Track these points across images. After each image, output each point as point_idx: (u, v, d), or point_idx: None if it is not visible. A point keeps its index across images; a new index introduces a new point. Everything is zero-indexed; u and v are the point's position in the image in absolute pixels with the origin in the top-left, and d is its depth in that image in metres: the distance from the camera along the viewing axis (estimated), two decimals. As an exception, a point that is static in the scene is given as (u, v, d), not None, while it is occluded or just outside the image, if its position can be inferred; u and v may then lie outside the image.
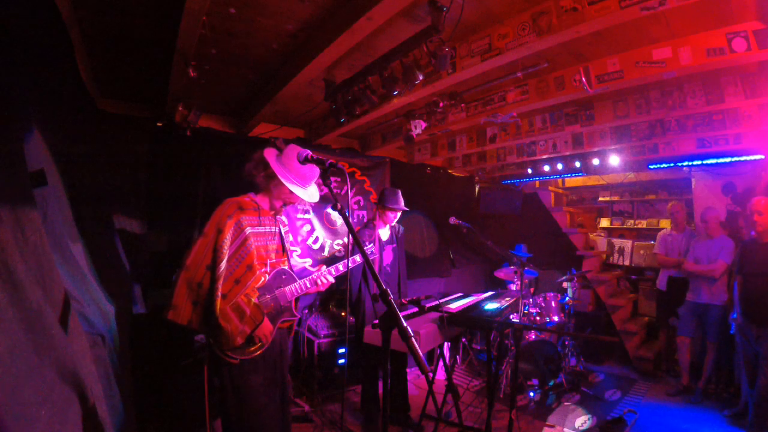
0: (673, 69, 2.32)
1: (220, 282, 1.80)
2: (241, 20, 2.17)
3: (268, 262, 2.02)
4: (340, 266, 2.20)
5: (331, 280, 2.15)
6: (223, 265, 1.82)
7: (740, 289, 3.07)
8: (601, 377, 4.22)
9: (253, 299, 1.90)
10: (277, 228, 2.10)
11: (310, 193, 2.02)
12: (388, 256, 3.21)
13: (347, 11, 1.97)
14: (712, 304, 3.56)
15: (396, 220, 3.21)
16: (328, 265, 2.18)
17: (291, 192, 1.93)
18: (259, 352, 1.90)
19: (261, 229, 1.99)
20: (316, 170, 1.97)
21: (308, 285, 2.09)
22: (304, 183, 1.97)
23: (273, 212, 2.07)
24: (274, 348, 2.00)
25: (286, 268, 2.10)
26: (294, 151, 1.89)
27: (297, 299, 2.10)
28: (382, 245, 3.16)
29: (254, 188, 2.03)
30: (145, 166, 3.16)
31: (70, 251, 1.63)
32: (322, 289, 2.14)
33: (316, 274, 2.13)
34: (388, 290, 1.16)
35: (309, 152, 1.68)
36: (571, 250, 5.47)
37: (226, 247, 1.83)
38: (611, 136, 3.84)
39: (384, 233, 3.19)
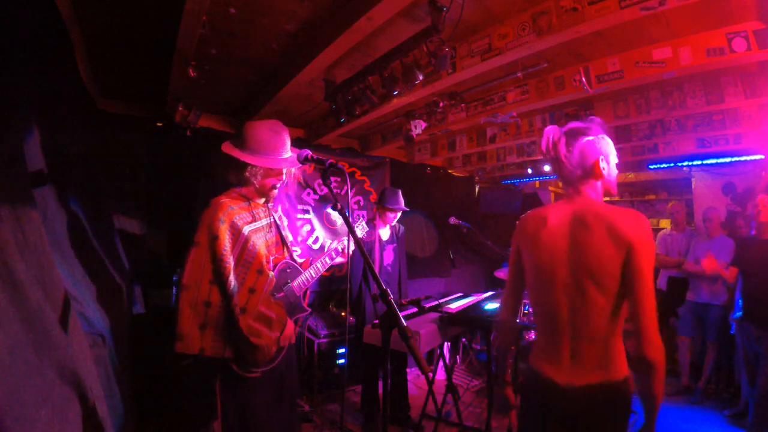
0: (673, 69, 2.32)
1: (236, 298, 1.63)
2: (241, 20, 2.17)
3: (271, 258, 1.88)
4: (334, 255, 2.12)
5: (328, 262, 2.08)
6: (232, 277, 1.64)
7: (742, 288, 3.06)
8: (601, 377, 4.21)
9: (271, 300, 1.79)
10: (271, 218, 1.92)
11: (291, 160, 1.79)
12: (389, 256, 3.21)
13: (347, 11, 1.97)
14: (712, 303, 3.56)
15: (396, 219, 3.21)
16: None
17: (271, 168, 1.75)
18: (278, 360, 1.78)
19: (257, 225, 1.82)
20: (286, 138, 1.80)
21: (313, 274, 2.00)
22: (277, 153, 1.75)
23: (264, 200, 1.90)
24: (284, 358, 1.84)
25: (288, 260, 1.97)
26: (251, 127, 1.75)
27: (305, 292, 2.04)
28: (382, 245, 3.15)
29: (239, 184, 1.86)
30: (145, 166, 3.16)
31: (70, 251, 1.63)
32: (322, 270, 2.06)
33: (314, 260, 2.05)
34: (389, 290, 1.16)
35: (309, 152, 1.66)
36: (571, 250, 5.46)
37: (228, 257, 1.64)
38: (611, 136, 3.80)
39: (384, 233, 3.19)
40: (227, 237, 1.66)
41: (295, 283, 1.95)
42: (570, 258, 1.22)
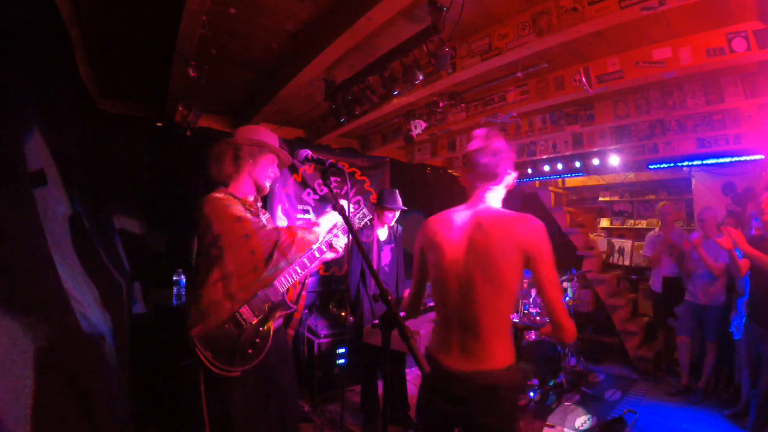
0: (673, 69, 2.32)
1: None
2: (241, 20, 2.18)
3: None
4: (325, 249, 1.98)
5: (317, 256, 1.96)
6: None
7: (749, 288, 3.04)
8: (601, 377, 4.22)
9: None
10: (259, 218, 1.88)
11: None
12: (386, 256, 3.21)
13: (347, 11, 1.97)
14: (710, 305, 3.55)
15: (394, 220, 3.20)
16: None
17: (275, 158, 1.84)
18: (260, 358, 1.70)
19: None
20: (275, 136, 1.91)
21: (299, 270, 1.90)
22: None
23: (255, 197, 1.87)
24: (270, 356, 1.75)
25: None
26: (250, 126, 1.88)
27: (299, 293, 1.98)
28: (380, 245, 3.15)
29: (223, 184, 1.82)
30: (145, 166, 3.17)
31: (71, 251, 1.63)
32: (310, 265, 1.94)
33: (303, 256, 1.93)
34: (388, 290, 1.16)
35: (309, 152, 1.65)
36: (571, 250, 5.47)
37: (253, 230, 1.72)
38: (611, 136, 3.84)
39: (382, 233, 3.19)
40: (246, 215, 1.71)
41: (276, 281, 1.84)
42: (466, 258, 1.35)
